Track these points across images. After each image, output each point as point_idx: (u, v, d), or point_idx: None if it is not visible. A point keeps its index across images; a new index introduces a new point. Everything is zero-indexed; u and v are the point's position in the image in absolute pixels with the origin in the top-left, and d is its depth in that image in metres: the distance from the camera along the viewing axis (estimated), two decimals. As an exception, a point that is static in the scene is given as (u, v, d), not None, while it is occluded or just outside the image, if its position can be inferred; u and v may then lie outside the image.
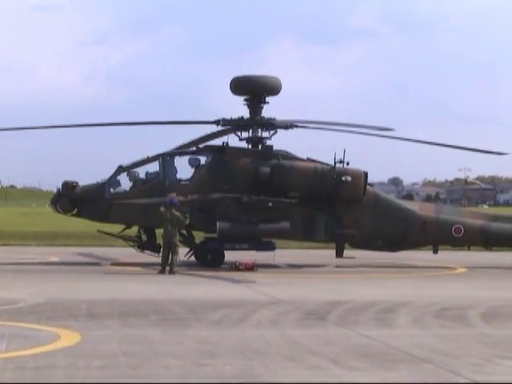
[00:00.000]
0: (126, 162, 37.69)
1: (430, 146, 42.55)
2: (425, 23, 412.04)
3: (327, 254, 39.53)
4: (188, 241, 37.14)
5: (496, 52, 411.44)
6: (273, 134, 38.14)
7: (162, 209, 33.81)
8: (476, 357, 16.17)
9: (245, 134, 38.04)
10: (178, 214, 33.83)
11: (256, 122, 37.90)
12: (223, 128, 37.93)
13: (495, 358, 16.08)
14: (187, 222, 34.74)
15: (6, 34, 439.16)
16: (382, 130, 39.49)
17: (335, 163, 37.05)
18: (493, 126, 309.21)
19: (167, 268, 33.17)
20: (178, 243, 34.23)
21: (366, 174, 37.38)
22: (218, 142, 37.99)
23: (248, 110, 38.10)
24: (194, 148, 37.83)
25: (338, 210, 37.08)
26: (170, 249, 33.58)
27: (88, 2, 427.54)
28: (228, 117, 37.97)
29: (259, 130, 37.94)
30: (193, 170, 37.46)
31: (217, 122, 37.91)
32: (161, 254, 34.30)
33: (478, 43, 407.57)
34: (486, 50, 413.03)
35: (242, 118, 37.91)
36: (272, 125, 37.97)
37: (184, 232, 36.22)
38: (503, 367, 15.22)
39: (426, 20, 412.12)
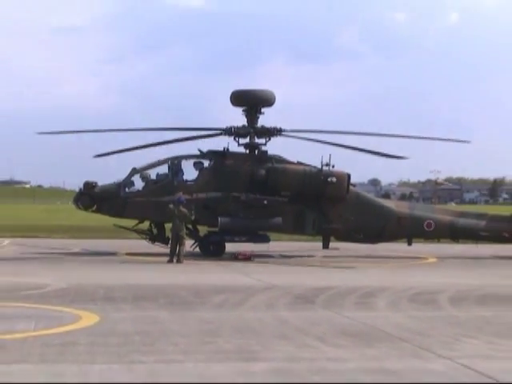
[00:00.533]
0: (139, 164, 37.73)
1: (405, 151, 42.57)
2: (399, 44, 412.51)
3: (315, 246, 39.49)
4: (193, 234, 37.21)
5: (463, 67, 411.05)
6: (267, 141, 38.12)
7: (171, 206, 33.91)
8: (445, 336, 16.21)
9: (243, 141, 38.02)
10: (184, 210, 33.89)
11: (253, 130, 37.86)
12: (214, 133, 38.06)
13: (461, 336, 16.12)
14: (192, 217, 34.87)
15: (33, 53, 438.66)
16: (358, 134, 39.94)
17: (322, 166, 37.11)
18: (460, 133, 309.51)
19: (175, 258, 33.21)
20: (185, 236, 34.29)
21: (348, 176, 37.43)
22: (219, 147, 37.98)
23: (246, 120, 38.09)
24: (199, 152, 37.81)
25: (324, 207, 37.09)
26: (177, 241, 33.62)
27: (104, 24, 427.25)
28: (228, 125, 37.99)
29: (255, 137, 37.91)
30: (197, 172, 37.51)
31: (218, 130, 37.91)
32: (169, 246, 34.31)
33: (446, 60, 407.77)
34: (454, 66, 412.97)
35: (242, 126, 37.89)
36: (267, 132, 37.95)
37: (190, 226, 36.26)
38: (468, 344, 15.29)
39: (399, 41, 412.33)
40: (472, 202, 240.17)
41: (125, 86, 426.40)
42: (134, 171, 37.33)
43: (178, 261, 33.02)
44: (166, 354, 13.85)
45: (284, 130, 38.15)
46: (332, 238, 38.49)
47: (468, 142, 43.43)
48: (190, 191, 35.86)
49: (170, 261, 33.12)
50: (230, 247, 36.77)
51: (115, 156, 39.16)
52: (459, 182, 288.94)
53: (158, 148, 39.29)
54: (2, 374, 11.98)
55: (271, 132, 38.00)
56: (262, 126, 37.97)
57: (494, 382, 12.07)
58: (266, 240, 37.35)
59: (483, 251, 40.58)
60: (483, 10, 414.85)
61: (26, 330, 16.06)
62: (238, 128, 37.78)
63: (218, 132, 38.11)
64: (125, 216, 37.35)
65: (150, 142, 39.12)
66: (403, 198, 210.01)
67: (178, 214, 33.83)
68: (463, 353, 14.34)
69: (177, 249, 33.51)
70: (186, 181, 37.26)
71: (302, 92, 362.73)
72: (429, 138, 42.97)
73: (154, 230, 37.43)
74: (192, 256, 35.15)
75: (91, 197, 36.97)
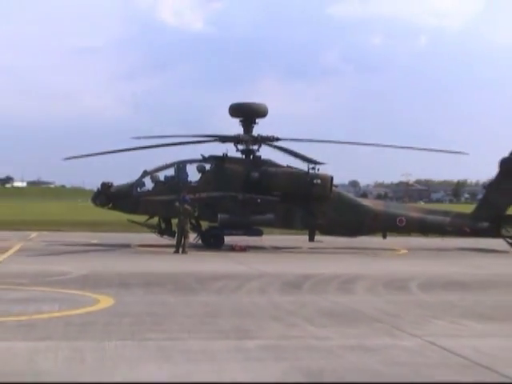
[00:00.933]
0: (149, 167, 37.74)
1: (377, 157, 42.56)
2: (376, 63, 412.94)
3: (302, 239, 39.49)
4: (196, 228, 37.19)
5: (430, 83, 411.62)
6: (259, 147, 38.12)
7: (177, 204, 33.94)
8: (415, 317, 16.23)
9: (240, 147, 38.01)
10: (189, 207, 33.93)
11: (248, 138, 37.87)
12: (209, 139, 38.04)
13: (429, 318, 16.15)
14: (196, 214, 34.98)
15: (59, 69, 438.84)
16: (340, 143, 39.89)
17: (308, 169, 37.14)
18: (428, 141, 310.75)
19: (180, 249, 33.20)
20: (189, 230, 34.29)
21: (331, 178, 37.45)
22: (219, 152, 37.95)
23: (242, 129, 38.09)
24: (201, 157, 37.81)
25: (310, 205, 37.07)
26: (182, 234, 33.63)
27: (118, 45, 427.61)
28: (227, 134, 38.07)
29: (250, 144, 37.91)
30: (200, 174, 37.51)
31: (216, 138, 37.91)
32: (175, 239, 34.31)
33: (415, 77, 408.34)
34: (422, 82, 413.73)
35: (238, 135, 37.90)
36: (260, 140, 37.95)
37: (193, 221, 36.24)
38: (435, 325, 15.33)
39: (376, 61, 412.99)
40: (438, 201, 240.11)
41: (136, 99, 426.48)
42: (145, 173, 37.39)
43: (183, 252, 32.99)
44: (173, 332, 13.89)
45: (280, 139, 38.19)
46: (317, 232, 38.47)
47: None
48: (193, 191, 35.86)
49: (176, 252, 33.10)
50: (228, 240, 36.73)
51: (128, 159, 39.12)
52: (427, 183, 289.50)
53: (167, 153, 39.37)
54: (31, 349, 11.98)
55: (270, 139, 38.03)
56: (259, 135, 37.96)
57: (456, 356, 12.09)
58: (260, 234, 37.40)
59: (448, 244, 40.63)
60: (447, 34, 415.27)
61: (51, 310, 16.09)
62: (241, 136, 37.76)
63: (213, 139, 38.13)
64: (137, 212, 37.33)
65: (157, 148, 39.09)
66: (379, 197, 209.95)
67: (183, 211, 33.86)
68: (430, 332, 14.37)
69: (182, 241, 33.55)
70: (190, 182, 37.25)
71: (291, 105, 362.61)
72: (395, 147, 42.67)
73: (162, 225, 37.43)
74: (195, 247, 35.15)
75: (107, 196, 37.05)
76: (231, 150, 37.96)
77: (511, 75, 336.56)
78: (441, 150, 42.14)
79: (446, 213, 41.07)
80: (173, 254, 32.52)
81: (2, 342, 12.59)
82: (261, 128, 38.31)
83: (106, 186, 37.14)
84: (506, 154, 39.36)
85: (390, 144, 41.78)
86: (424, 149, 42.54)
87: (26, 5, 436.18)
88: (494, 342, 13.56)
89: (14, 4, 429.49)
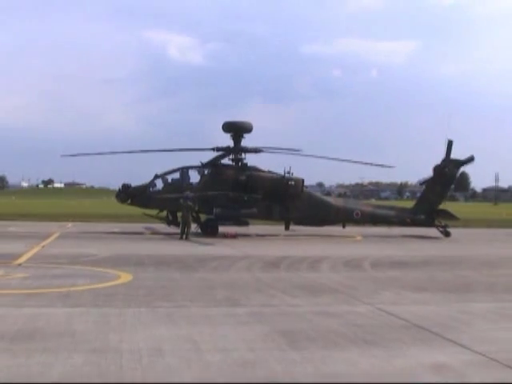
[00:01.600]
0: (160, 171, 37.69)
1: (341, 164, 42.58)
2: (337, 91, 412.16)
3: (279, 228, 39.52)
4: (196, 220, 37.11)
5: (380, 106, 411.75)
6: (245, 156, 38.09)
7: (181, 200, 33.96)
8: (367, 289, 16.28)
9: (231, 156, 38.01)
10: (190, 203, 33.97)
11: (237, 149, 37.89)
12: (221, 153, 37.85)
13: (379, 290, 16.19)
14: (196, 208, 34.97)
15: (89, 95, 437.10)
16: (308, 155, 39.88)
17: (285, 173, 37.18)
18: (380, 152, 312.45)
19: (184, 236, 33.20)
20: (190, 221, 34.29)
21: (303, 180, 37.49)
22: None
23: (233, 142, 38.07)
24: (200, 164, 37.80)
25: (286, 202, 37.06)
26: (185, 225, 33.64)
27: (136, 76, 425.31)
28: (220, 145, 38.05)
29: (239, 154, 37.90)
30: (200, 177, 37.50)
31: (213, 149, 37.91)
32: (180, 228, 34.29)
33: (369, 102, 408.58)
34: (374, 106, 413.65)
35: (229, 146, 37.92)
36: (247, 150, 37.97)
37: (194, 214, 36.20)
38: (383, 295, 15.37)
39: (337, 89, 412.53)
40: (386, 198, 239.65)
41: (150, 119, 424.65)
42: (156, 176, 37.26)
43: (186, 238, 32.97)
44: (178, 301, 13.88)
45: (262, 150, 38.20)
46: (291, 223, 38.50)
47: (390, 166, 43.05)
48: (194, 190, 35.82)
49: (181, 238, 33.06)
50: (221, 229, 36.73)
51: (143, 164, 39.18)
52: (377, 184, 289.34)
53: (174, 160, 39.44)
54: (68, 314, 12.01)
55: (253, 150, 38.03)
56: (246, 146, 37.97)
57: (399, 319, 12.18)
58: (247, 224, 37.34)
59: (393, 232, 40.74)
60: (393, 67, 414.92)
61: (83, 284, 16.07)
62: (227, 147, 37.79)
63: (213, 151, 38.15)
64: (150, 207, 37.19)
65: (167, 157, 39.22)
66: (340, 195, 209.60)
67: (185, 206, 33.89)
68: (379, 300, 14.43)
69: (185, 230, 33.54)
70: (192, 183, 37.20)
71: (271, 123, 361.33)
72: (358, 162, 42.85)
73: (170, 217, 37.36)
74: (195, 235, 35.10)
75: (127, 194, 36.98)
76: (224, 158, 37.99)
77: (443, 101, 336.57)
78: (370, 163, 42.22)
79: (391, 208, 41.28)
80: (178, 240, 32.49)
81: (46, 308, 12.62)
82: (247, 141, 38.37)
83: (125, 186, 37.10)
84: (438, 162, 39.59)
85: (335, 157, 41.68)
86: (358, 162, 42.39)
87: (64, 44, 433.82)
88: (428, 308, 13.65)
89: (54, 42, 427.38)
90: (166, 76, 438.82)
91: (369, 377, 8.41)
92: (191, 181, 37.39)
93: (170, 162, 39.93)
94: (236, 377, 8.28)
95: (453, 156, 39.36)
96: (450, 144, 38.97)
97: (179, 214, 35.34)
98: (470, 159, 39.78)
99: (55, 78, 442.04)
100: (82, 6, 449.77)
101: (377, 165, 42.14)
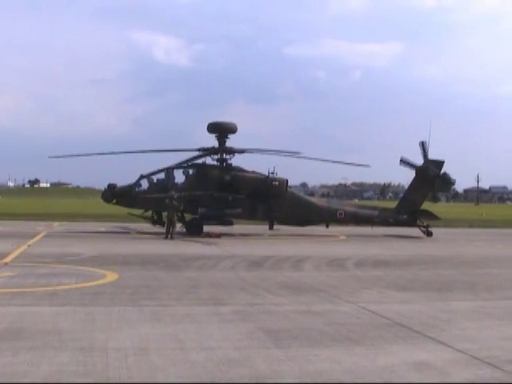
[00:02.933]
0: (145, 172, 37.59)
1: (324, 165, 42.67)
2: (320, 92, 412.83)
3: (263, 228, 39.54)
4: (181, 219, 37.05)
5: (363, 108, 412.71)
6: (231, 157, 38.06)
7: (167, 200, 33.88)
8: (350, 288, 16.32)
9: (215, 157, 37.97)
10: (176, 203, 33.90)
11: (222, 149, 37.86)
12: (202, 153, 37.84)
13: (361, 288, 16.25)
14: (181, 208, 34.90)
15: (75, 96, 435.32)
16: (293, 153, 39.86)
17: (269, 174, 37.17)
18: (360, 153, 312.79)
19: (169, 236, 33.14)
20: (176, 221, 34.25)
21: (287, 181, 37.46)
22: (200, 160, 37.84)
23: (217, 142, 38.05)
24: (185, 164, 37.73)
25: (270, 202, 37.05)
26: (170, 224, 33.58)
27: (122, 78, 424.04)
28: (206, 146, 38.01)
29: (224, 154, 37.86)
30: (185, 177, 37.41)
31: (199, 149, 37.86)
32: (165, 228, 34.24)
33: (351, 103, 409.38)
34: (357, 108, 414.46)
35: (214, 147, 37.88)
36: (231, 151, 37.95)
37: (179, 214, 36.15)
38: (366, 294, 15.42)
39: (320, 91, 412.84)
40: (369, 198, 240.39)
41: (136, 120, 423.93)
42: (141, 176, 37.13)
43: (171, 238, 32.91)
44: (163, 300, 13.85)
45: (246, 150, 38.21)
46: (275, 222, 38.51)
47: (367, 166, 43.28)
48: (179, 190, 35.73)
49: (166, 238, 32.99)
50: (205, 228, 36.67)
51: (128, 164, 39.08)
52: (360, 185, 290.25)
53: (159, 161, 39.33)
54: (54, 313, 11.96)
55: (238, 151, 38.03)
56: (229, 147, 37.95)
57: (382, 317, 12.21)
58: (231, 224, 37.31)
59: (376, 231, 40.86)
60: (376, 70, 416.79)
61: (69, 283, 16.02)
62: (211, 148, 37.78)
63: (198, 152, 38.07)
64: (135, 207, 37.12)
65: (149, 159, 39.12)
66: (323, 195, 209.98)
67: (171, 206, 33.82)
68: (362, 299, 14.48)
69: (170, 229, 33.51)
70: (177, 183, 37.10)
71: (255, 124, 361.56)
72: (337, 162, 43.06)
73: (155, 217, 37.28)
74: (180, 234, 35.03)
75: (112, 194, 36.84)
76: (209, 159, 38.00)
77: (425, 103, 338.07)
78: (349, 163, 42.45)
79: (374, 208, 41.31)
80: (163, 240, 32.42)
81: (32, 307, 12.58)
82: (232, 141, 38.36)
83: (111, 187, 36.93)
84: (420, 164, 39.76)
85: (316, 157, 41.74)
86: (338, 162, 42.58)
87: (50, 45, 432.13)
88: (410, 307, 13.69)
89: (44, 46, 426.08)
90: (152, 77, 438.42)
91: (352, 374, 8.43)
92: (176, 181, 37.31)
93: (156, 163, 39.78)
94: (221, 375, 8.28)
95: (435, 157, 39.59)
96: (423, 145, 39.27)
97: (164, 214, 35.28)
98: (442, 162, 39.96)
99: (42, 78, 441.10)
100: (69, 7, 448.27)
101: (350, 163, 42.29)
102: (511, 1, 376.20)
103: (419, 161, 39.67)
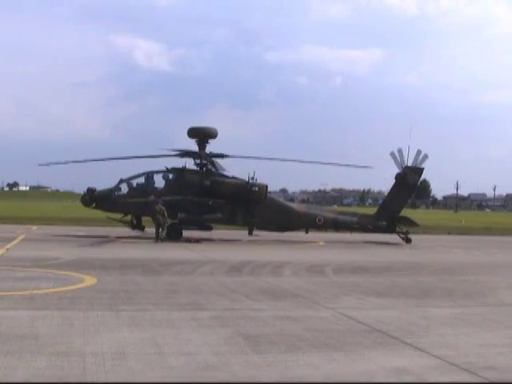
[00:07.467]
0: (124, 176, 37.50)
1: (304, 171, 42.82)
2: (301, 98, 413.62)
3: (242, 233, 39.53)
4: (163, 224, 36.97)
5: (343, 113, 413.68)
6: (216, 164, 38.06)
7: (157, 207, 34.15)
8: (329, 294, 16.35)
9: (196, 161, 37.94)
10: (162, 207, 34.11)
11: (202, 154, 37.84)
12: (184, 154, 37.84)
13: (340, 294, 16.29)
14: (165, 213, 35.03)
15: (55, 100, 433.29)
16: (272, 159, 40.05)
17: (249, 179, 37.19)
18: (341, 158, 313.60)
19: (159, 240, 33.62)
20: (163, 222, 34.47)
21: (266, 186, 37.56)
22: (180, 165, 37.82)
23: (198, 147, 38.03)
24: (165, 169, 37.70)
25: (249, 207, 37.11)
26: (159, 227, 34.10)
27: (103, 81, 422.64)
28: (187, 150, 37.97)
29: (204, 159, 37.83)
30: (164, 181, 37.36)
31: (181, 154, 37.80)
32: (155, 232, 34.36)
33: (332, 109, 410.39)
34: (338, 113, 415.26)
35: (197, 151, 37.84)
36: (211, 156, 37.94)
37: (160, 218, 36.04)
38: (344, 300, 15.46)
39: (301, 96, 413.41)
40: (348, 204, 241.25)
41: (116, 124, 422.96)
42: (121, 181, 37.09)
43: (161, 240, 33.46)
44: (142, 305, 13.80)
45: (227, 156, 38.22)
46: (254, 228, 38.51)
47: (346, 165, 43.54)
48: (159, 195, 35.73)
49: (156, 241, 33.42)
50: (185, 233, 36.64)
51: (108, 168, 38.91)
52: (340, 191, 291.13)
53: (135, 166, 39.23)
54: (31, 317, 11.88)
55: (219, 156, 38.03)
56: (211, 152, 37.94)
57: (360, 324, 12.24)
58: (210, 228, 37.38)
59: (355, 238, 40.97)
60: (356, 76, 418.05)
61: (47, 287, 15.94)
62: (192, 152, 37.76)
63: (180, 154, 37.97)
64: (115, 211, 37.09)
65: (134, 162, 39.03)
66: (303, 201, 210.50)
67: (158, 210, 34.06)
68: (341, 305, 14.50)
69: (159, 232, 33.97)
70: (157, 188, 37.05)
71: (235, 129, 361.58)
72: (313, 162, 43.19)
73: (134, 221, 37.28)
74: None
75: (92, 198, 36.78)
76: (189, 163, 37.97)
77: (405, 110, 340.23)
78: (351, 165, 42.61)
79: (354, 214, 41.43)
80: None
81: (10, 311, 12.49)
82: (212, 147, 38.36)
83: (90, 191, 36.91)
84: (400, 170, 39.95)
85: (309, 160, 42.06)
86: (337, 163, 42.92)
87: (30, 48, 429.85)
88: (389, 313, 13.74)
89: (23, 48, 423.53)
90: (133, 81, 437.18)
91: (330, 380, 8.44)
92: (156, 185, 37.25)
93: (136, 167, 39.64)
94: (199, 380, 8.25)
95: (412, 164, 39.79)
96: (393, 156, 39.53)
97: (144, 218, 35.25)
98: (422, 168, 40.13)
99: (20, 81, 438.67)
100: (50, 10, 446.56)
101: (350, 165, 42.45)
102: (491, 10, 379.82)
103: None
